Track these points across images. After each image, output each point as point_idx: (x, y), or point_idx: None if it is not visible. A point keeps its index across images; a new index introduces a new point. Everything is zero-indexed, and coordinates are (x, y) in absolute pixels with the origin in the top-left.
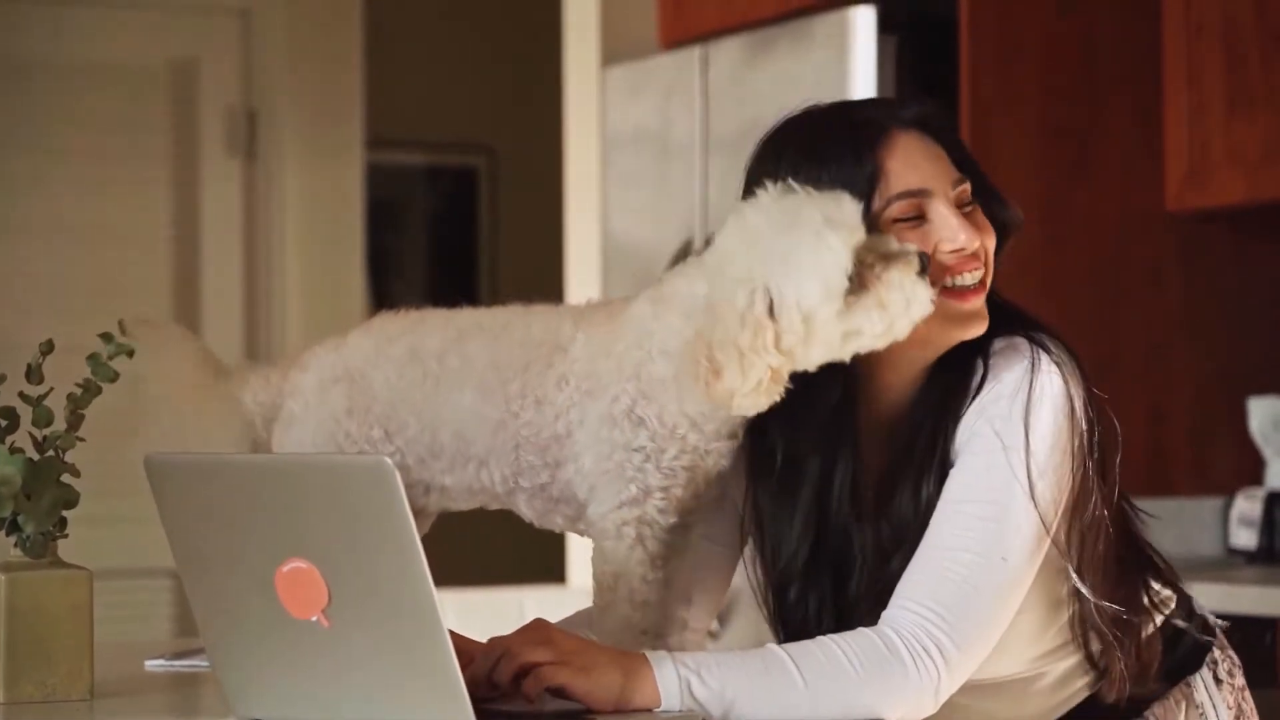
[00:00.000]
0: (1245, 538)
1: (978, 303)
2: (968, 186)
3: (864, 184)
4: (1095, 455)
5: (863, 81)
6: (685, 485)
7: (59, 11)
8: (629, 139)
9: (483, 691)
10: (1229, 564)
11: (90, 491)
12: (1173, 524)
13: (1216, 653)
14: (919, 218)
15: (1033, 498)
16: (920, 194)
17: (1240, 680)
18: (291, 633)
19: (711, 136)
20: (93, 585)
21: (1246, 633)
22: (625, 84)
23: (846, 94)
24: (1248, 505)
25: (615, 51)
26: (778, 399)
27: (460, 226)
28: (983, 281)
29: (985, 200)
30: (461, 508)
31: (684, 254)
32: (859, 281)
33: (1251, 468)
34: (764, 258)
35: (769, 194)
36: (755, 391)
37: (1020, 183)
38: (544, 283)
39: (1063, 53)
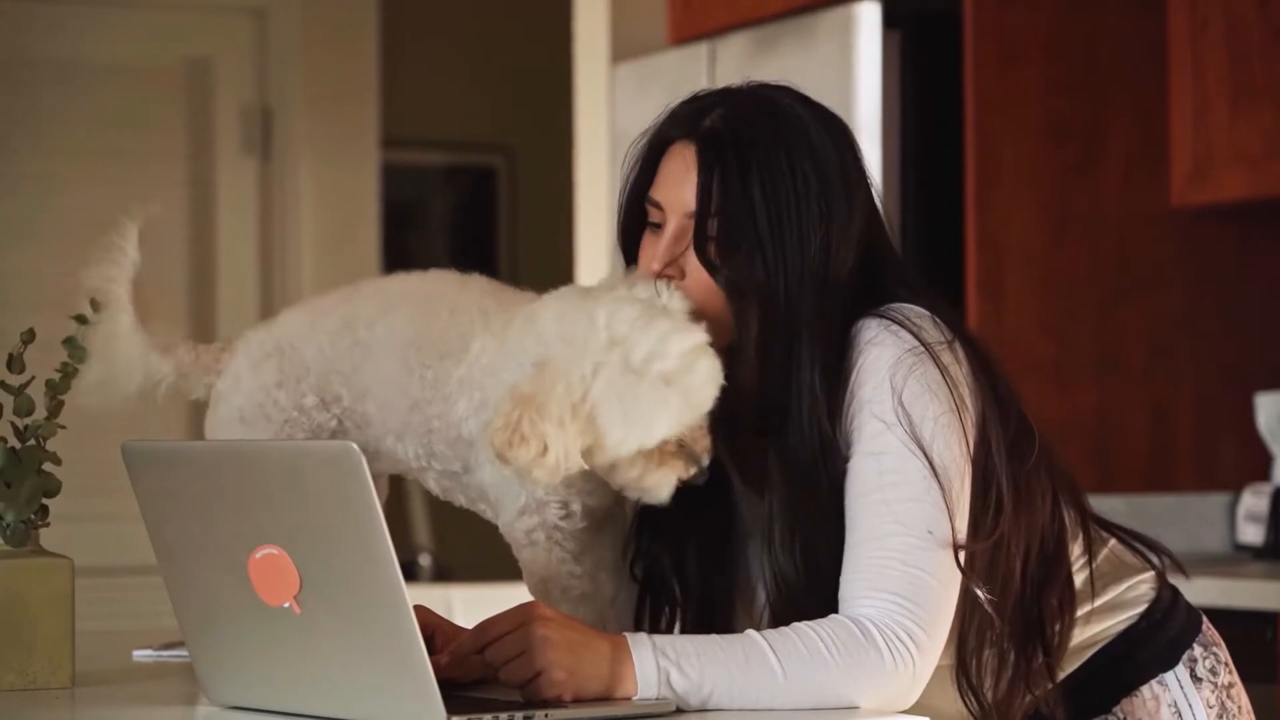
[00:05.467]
0: (1252, 533)
1: None
2: (690, 225)
3: (640, 189)
4: (987, 432)
5: (867, 77)
6: (578, 502)
7: (74, 11)
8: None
9: (467, 669)
10: (1235, 559)
11: (104, 489)
12: (1179, 520)
13: (1197, 650)
14: (662, 226)
15: (931, 466)
16: (659, 205)
17: (1226, 678)
18: (264, 619)
19: None
20: (74, 574)
21: (1249, 627)
22: (633, 81)
23: (851, 89)
24: (1254, 501)
25: (625, 48)
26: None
27: (480, 226)
28: None
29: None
30: (386, 471)
31: None
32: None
33: (1259, 464)
34: (616, 376)
35: (683, 329)
36: (551, 471)
37: (1023, 180)
38: (562, 283)
39: (1066, 49)
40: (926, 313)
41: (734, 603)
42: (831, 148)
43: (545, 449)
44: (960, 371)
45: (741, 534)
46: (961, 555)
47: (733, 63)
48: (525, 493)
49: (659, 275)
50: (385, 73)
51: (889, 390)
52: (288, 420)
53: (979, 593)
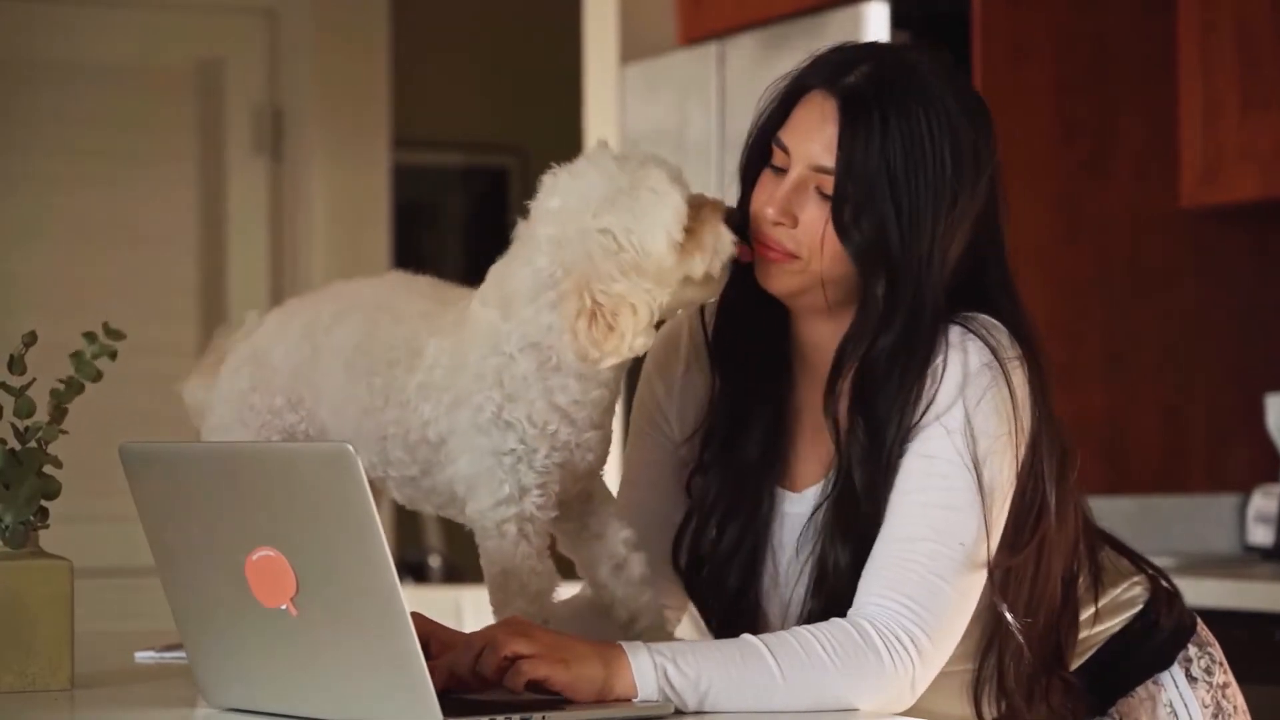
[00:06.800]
0: (1262, 535)
1: (768, 265)
2: (827, 180)
3: (770, 128)
4: (1037, 454)
5: None
6: (561, 481)
7: (85, 12)
8: (647, 137)
9: (464, 682)
10: (1245, 561)
11: (105, 489)
12: (1189, 521)
13: (1193, 650)
14: (784, 171)
15: (979, 482)
16: (785, 150)
17: (1221, 678)
18: (262, 622)
19: (728, 133)
20: (73, 575)
21: (1258, 629)
22: (643, 81)
23: None
24: (1264, 502)
25: (634, 49)
26: (652, 340)
27: (493, 227)
28: (775, 256)
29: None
30: None
31: None
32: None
33: (1269, 465)
34: (615, 212)
35: (603, 157)
36: (648, 329)
37: (1033, 180)
38: None
39: (1075, 49)
40: (1002, 326)
41: (761, 614)
42: (967, 125)
43: (632, 309)
44: (1023, 394)
45: (780, 540)
46: (989, 572)
47: (742, 63)
48: (509, 482)
49: (773, 222)
50: (397, 73)
51: (959, 399)
52: (264, 424)
53: (1008, 617)
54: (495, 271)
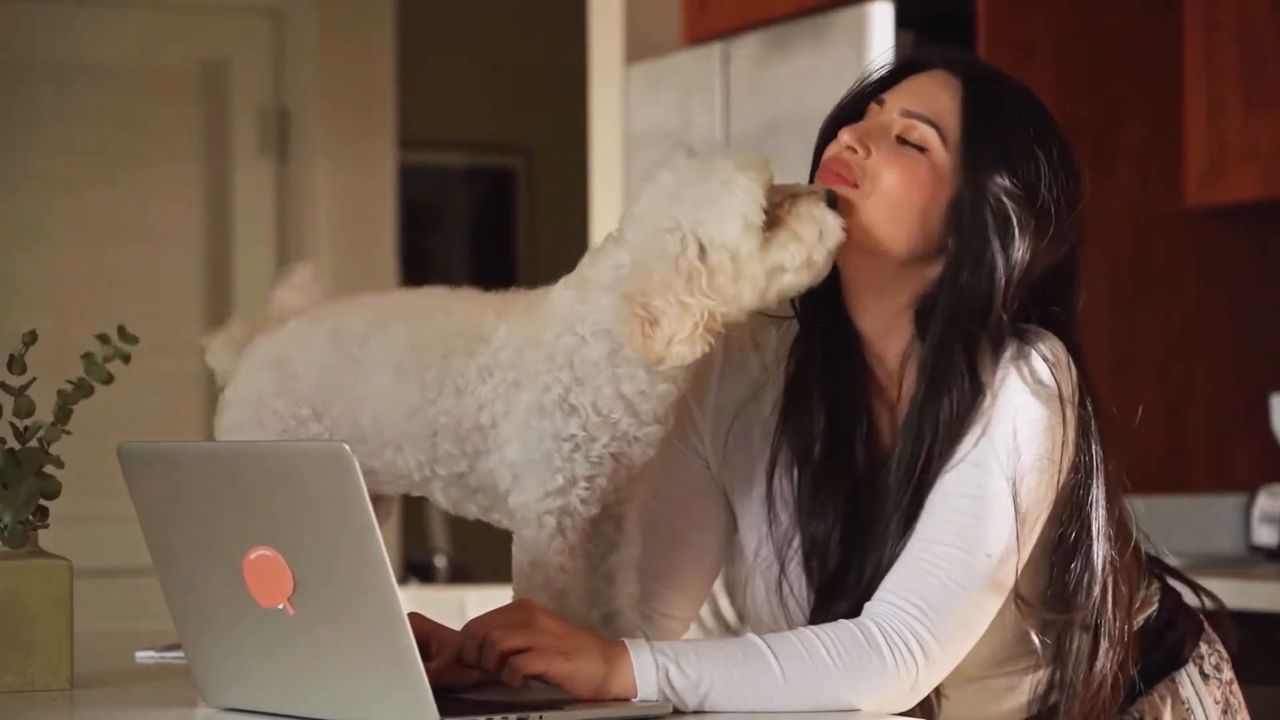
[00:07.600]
0: (1267, 535)
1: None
2: (914, 125)
3: (871, 91)
4: (1083, 474)
5: None
6: (610, 476)
7: (92, 13)
8: (651, 137)
9: (462, 676)
10: (1250, 561)
11: (105, 489)
12: (1193, 522)
13: (1204, 648)
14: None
15: (1015, 497)
16: (882, 103)
17: (1228, 674)
18: (259, 621)
19: (732, 133)
20: (73, 575)
21: (1262, 629)
22: (647, 81)
23: None
24: (1269, 503)
25: (639, 49)
26: (708, 349)
27: (499, 228)
28: (835, 179)
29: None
30: (389, 492)
31: None
32: (774, 221)
33: (1274, 465)
34: (683, 207)
35: (677, 156)
36: (691, 338)
37: None
38: None
39: (1077, 49)
40: (1065, 356)
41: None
42: (1066, 158)
43: (668, 318)
44: (1071, 439)
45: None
46: (1017, 605)
47: (746, 63)
48: (564, 471)
49: (847, 146)
50: (402, 74)
51: (1010, 412)
52: (285, 430)
53: (1035, 638)
54: (585, 260)
